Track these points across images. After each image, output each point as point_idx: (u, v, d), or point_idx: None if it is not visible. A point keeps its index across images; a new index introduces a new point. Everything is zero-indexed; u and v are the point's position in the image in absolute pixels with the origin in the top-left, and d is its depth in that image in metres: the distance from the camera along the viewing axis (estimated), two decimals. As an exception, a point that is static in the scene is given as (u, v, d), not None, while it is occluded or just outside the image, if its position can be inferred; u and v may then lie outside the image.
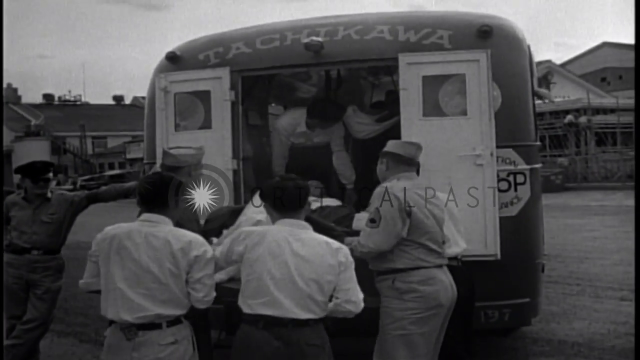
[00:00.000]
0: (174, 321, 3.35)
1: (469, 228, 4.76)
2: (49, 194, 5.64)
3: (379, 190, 4.13)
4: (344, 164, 6.38)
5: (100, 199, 5.80)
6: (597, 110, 34.20)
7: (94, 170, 55.64)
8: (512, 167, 5.09)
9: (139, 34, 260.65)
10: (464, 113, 5.05)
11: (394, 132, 5.46)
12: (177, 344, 3.33)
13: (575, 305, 7.76)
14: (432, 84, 5.11)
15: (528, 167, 5.14)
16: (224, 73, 5.49)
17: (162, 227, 3.40)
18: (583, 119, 32.23)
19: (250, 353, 3.30)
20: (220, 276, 3.83)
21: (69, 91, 73.68)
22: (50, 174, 5.64)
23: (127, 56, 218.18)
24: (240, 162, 5.56)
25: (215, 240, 4.51)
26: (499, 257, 4.88)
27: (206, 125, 5.59)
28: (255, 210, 4.37)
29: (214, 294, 3.46)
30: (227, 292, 3.73)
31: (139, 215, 3.51)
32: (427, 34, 5.24)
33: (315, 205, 5.30)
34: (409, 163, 4.28)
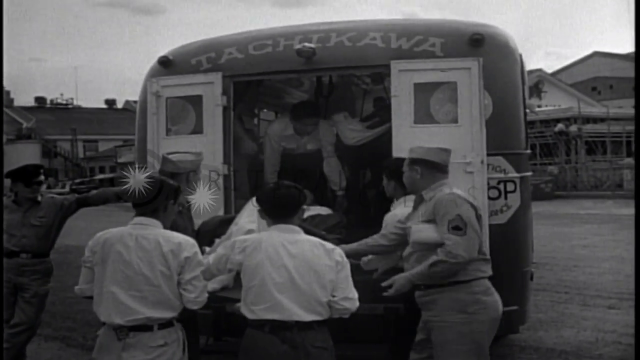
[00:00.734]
0: (165, 324, 3.37)
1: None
2: (39, 198, 5.61)
3: (448, 197, 3.83)
4: (334, 170, 6.39)
5: (90, 203, 5.78)
6: (588, 119, 34.43)
7: (84, 174, 55.46)
8: (502, 175, 5.11)
9: (132, 38, 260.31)
10: (455, 121, 5.06)
11: (385, 139, 5.48)
12: (167, 347, 3.35)
13: (564, 313, 7.78)
14: (423, 91, 5.12)
15: (518, 175, 5.16)
16: (216, 78, 5.49)
17: (152, 229, 3.42)
18: (573, 128, 32.43)
19: (257, 357, 3.32)
20: (213, 285, 3.83)
21: (61, 94, 73.44)
22: (42, 177, 5.63)
23: (119, 60, 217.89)
24: (232, 168, 5.56)
25: (207, 249, 4.52)
26: (488, 264, 4.89)
27: (197, 130, 5.58)
28: (247, 219, 4.39)
29: (206, 294, 3.48)
30: (215, 298, 3.73)
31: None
32: (419, 41, 5.26)
33: (306, 214, 5.32)
34: (444, 170, 4.07)
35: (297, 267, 3.35)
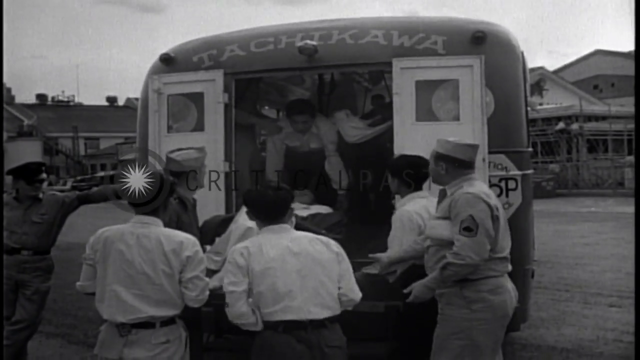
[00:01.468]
0: (168, 321, 3.38)
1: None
2: (40, 195, 5.61)
3: (464, 196, 3.76)
4: (335, 169, 6.39)
5: (91, 200, 5.78)
6: (589, 118, 34.42)
7: (85, 172, 55.46)
8: (503, 173, 5.11)
9: (133, 36, 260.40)
10: (456, 118, 5.06)
11: (386, 137, 5.47)
12: (169, 344, 3.36)
13: (564, 312, 7.78)
14: (425, 89, 5.12)
15: (520, 173, 5.16)
16: (218, 75, 5.49)
17: (153, 228, 3.42)
18: (575, 126, 32.41)
19: (273, 357, 3.30)
20: (214, 283, 3.83)
21: (63, 92, 73.19)
22: (44, 175, 5.63)
23: (121, 57, 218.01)
24: (233, 165, 5.55)
25: (208, 247, 4.53)
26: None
27: (199, 127, 5.59)
28: (246, 217, 4.39)
29: (207, 293, 3.48)
30: (216, 295, 3.73)
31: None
32: (421, 39, 5.26)
33: (306, 212, 5.32)
34: (470, 166, 3.96)
35: (303, 265, 3.35)
